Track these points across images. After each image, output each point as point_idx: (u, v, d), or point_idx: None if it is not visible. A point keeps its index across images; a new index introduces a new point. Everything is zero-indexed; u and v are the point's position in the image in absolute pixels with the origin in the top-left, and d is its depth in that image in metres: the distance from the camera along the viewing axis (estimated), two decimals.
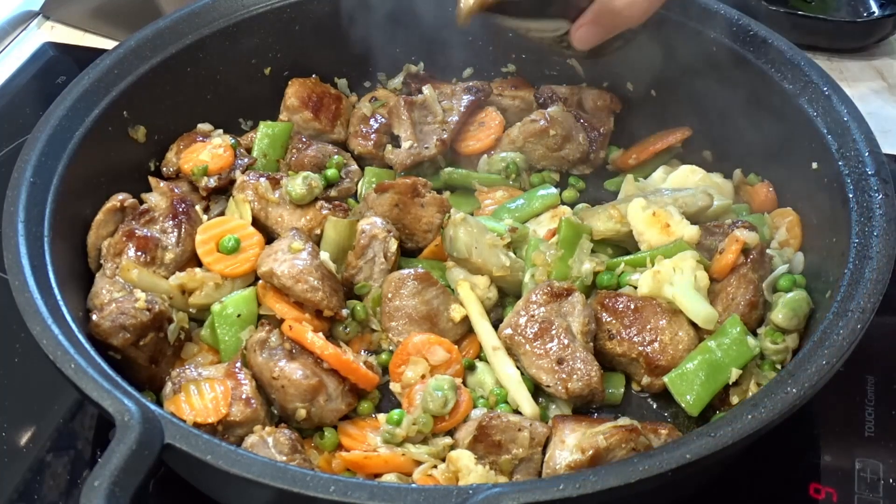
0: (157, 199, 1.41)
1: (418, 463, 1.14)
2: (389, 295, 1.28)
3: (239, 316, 1.26)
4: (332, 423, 1.20)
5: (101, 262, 1.31)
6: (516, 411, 1.20)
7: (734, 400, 1.20)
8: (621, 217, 1.35)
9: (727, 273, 1.28)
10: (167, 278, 1.30)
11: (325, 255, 1.29)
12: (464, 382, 1.23)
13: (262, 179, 1.40)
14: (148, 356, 1.21)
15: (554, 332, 1.22)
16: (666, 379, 1.21)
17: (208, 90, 1.54)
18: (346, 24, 1.58)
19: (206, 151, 1.44)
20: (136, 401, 0.97)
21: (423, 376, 1.22)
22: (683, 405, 1.19)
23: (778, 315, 1.25)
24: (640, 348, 1.24)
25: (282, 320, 1.25)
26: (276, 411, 1.20)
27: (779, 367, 1.23)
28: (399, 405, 1.23)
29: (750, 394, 1.18)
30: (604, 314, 1.27)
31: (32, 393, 1.32)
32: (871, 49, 1.96)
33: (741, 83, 1.44)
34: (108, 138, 1.38)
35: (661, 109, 1.61)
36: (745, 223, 1.33)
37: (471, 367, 1.26)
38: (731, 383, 1.19)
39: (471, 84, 1.61)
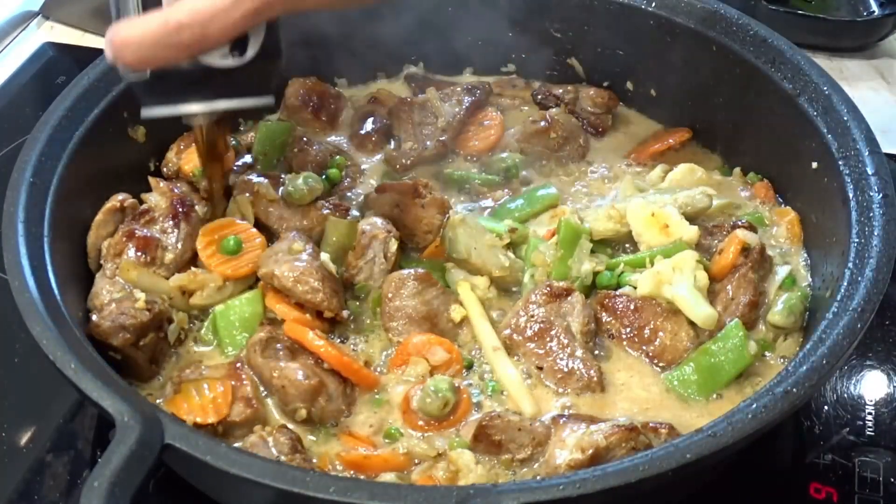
0: (157, 199, 1.40)
1: (418, 463, 1.14)
2: (389, 295, 1.28)
3: (242, 317, 1.27)
4: (332, 423, 1.20)
5: (101, 262, 1.31)
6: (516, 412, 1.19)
7: (735, 400, 1.20)
8: (621, 217, 1.35)
9: (727, 273, 1.28)
10: (167, 278, 1.30)
11: (325, 257, 1.29)
12: None
13: (263, 179, 1.40)
14: (148, 356, 1.22)
15: (554, 332, 1.23)
16: (663, 377, 1.21)
17: None
18: (347, 23, 1.58)
19: None
20: (136, 401, 0.97)
21: (423, 377, 1.22)
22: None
23: (776, 315, 1.25)
24: (640, 348, 1.24)
25: (283, 321, 1.25)
26: (276, 412, 1.20)
27: (780, 367, 1.23)
28: None
29: (749, 395, 1.18)
30: (603, 314, 1.27)
31: (32, 393, 1.32)
32: (871, 49, 1.96)
33: (741, 83, 1.44)
34: (108, 138, 1.38)
35: (660, 109, 1.61)
36: (745, 223, 1.33)
37: (470, 368, 1.26)
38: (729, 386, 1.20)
39: (471, 84, 1.61)
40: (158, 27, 0.96)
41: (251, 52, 1.11)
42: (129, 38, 0.99)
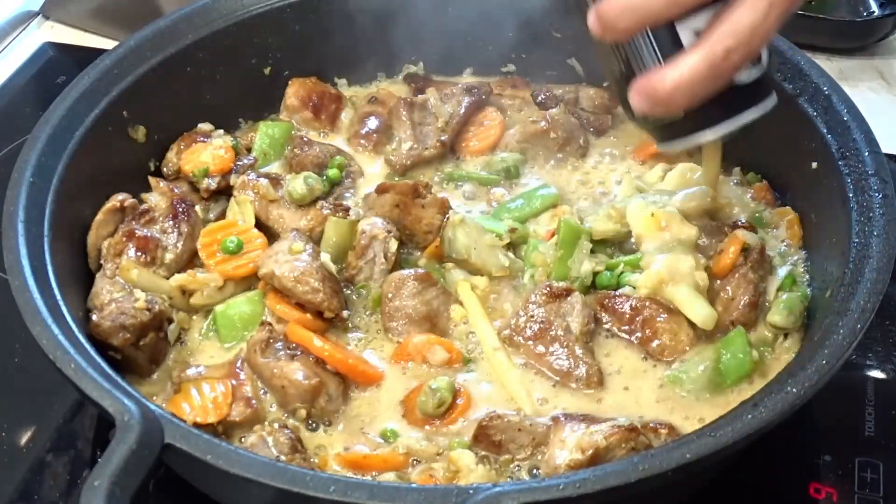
0: (157, 199, 1.41)
1: (418, 462, 1.14)
2: (389, 295, 1.28)
3: (242, 317, 1.27)
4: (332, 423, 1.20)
5: (101, 262, 1.31)
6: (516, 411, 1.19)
7: (735, 400, 1.20)
8: (621, 217, 1.35)
9: (727, 273, 1.28)
10: (167, 278, 1.30)
11: (325, 257, 1.29)
12: None
13: (263, 179, 1.40)
14: (148, 356, 1.22)
15: (553, 332, 1.23)
16: (663, 377, 1.21)
17: (208, 90, 1.53)
18: (347, 24, 1.58)
19: (207, 152, 1.44)
20: (136, 401, 0.97)
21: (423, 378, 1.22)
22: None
23: (776, 315, 1.25)
24: (640, 349, 1.24)
25: (283, 321, 1.25)
26: (276, 411, 1.20)
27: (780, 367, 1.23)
28: None
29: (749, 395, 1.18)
30: (603, 314, 1.27)
31: (32, 393, 1.33)
32: (871, 49, 1.96)
33: None
34: (108, 138, 1.38)
35: None
36: (746, 223, 1.33)
37: (471, 367, 1.26)
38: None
39: (471, 84, 1.61)
40: (706, 60, 0.95)
41: (765, 55, 1.04)
42: (679, 82, 0.97)
